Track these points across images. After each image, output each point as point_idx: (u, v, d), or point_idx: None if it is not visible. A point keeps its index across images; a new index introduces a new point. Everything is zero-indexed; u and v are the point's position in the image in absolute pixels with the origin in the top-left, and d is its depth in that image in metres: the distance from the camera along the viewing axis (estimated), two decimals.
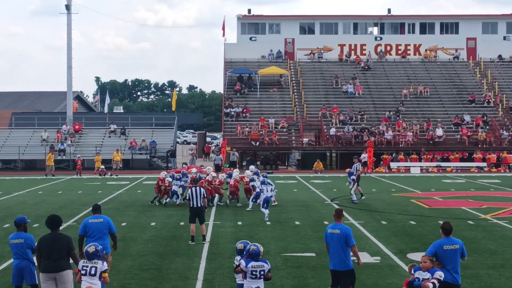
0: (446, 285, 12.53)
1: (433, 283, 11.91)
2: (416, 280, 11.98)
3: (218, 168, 47.14)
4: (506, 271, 17.64)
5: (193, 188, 22.10)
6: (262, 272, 12.41)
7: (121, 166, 54.77)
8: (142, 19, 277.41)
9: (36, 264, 13.83)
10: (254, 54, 74.55)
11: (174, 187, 32.36)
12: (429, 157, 58.11)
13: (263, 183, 29.31)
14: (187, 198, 22.23)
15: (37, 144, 61.85)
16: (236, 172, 34.08)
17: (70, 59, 65.33)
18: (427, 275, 11.97)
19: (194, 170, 34.75)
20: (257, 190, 29.81)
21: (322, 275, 17.17)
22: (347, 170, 35.36)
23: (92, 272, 12.47)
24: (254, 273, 12.38)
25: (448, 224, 13.04)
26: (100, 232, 15.24)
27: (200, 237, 22.01)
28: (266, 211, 27.29)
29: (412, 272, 12.26)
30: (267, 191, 28.46)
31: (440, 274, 12.07)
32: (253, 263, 12.43)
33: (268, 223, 26.29)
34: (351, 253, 13.89)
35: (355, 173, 34.19)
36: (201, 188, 22.25)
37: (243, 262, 12.50)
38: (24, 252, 13.90)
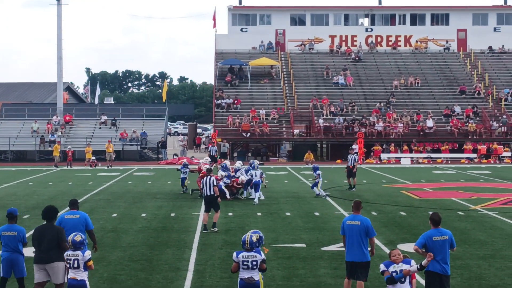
0: (435, 276, 12.56)
1: (416, 267, 11.90)
2: (394, 273, 11.86)
3: (213, 159, 47.31)
4: (495, 261, 17.70)
5: (205, 178, 22.87)
6: (254, 263, 12.17)
7: (114, 157, 54.68)
8: (133, 10, 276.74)
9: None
10: (245, 45, 74.46)
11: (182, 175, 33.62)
12: (419, 148, 58.25)
13: (248, 170, 31.07)
14: (201, 186, 23.47)
15: (28, 135, 61.72)
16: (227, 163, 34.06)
17: (60, 50, 65.15)
18: (402, 266, 11.90)
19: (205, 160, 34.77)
20: (250, 179, 30.75)
21: (312, 266, 17.21)
22: (313, 165, 34.90)
23: (75, 265, 12.41)
24: (245, 263, 12.19)
25: (437, 215, 13.05)
26: (76, 229, 13.99)
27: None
28: (257, 194, 29.54)
29: (384, 268, 11.98)
30: (256, 175, 30.47)
31: (413, 263, 12.00)
32: (244, 254, 12.27)
33: (256, 202, 29.00)
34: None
35: (351, 165, 34.31)
36: (212, 177, 22.80)
37: (234, 253, 12.42)
38: (16, 245, 13.85)
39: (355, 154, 35.34)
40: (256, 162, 32.54)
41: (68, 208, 14.50)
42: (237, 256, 12.27)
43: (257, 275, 12.22)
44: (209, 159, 36.14)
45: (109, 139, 56.97)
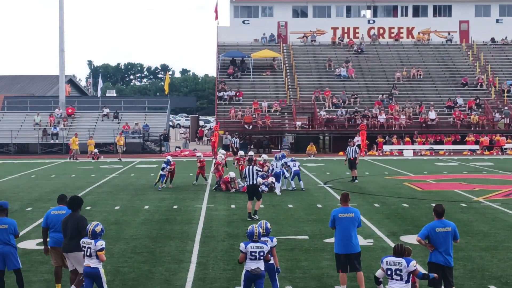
0: (438, 267, 12.58)
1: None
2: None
3: (234, 151, 48.01)
4: (498, 253, 17.71)
5: (248, 167, 23.61)
6: (261, 253, 12.44)
7: (124, 149, 54.59)
8: (135, 2, 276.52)
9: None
10: (247, 37, 74.37)
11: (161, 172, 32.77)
12: (422, 140, 58.21)
13: (285, 162, 31.57)
14: (243, 176, 24.46)
15: (30, 128, 61.74)
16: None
17: (62, 43, 65.10)
18: (402, 260, 11.79)
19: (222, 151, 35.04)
20: (276, 170, 30.83)
21: (315, 258, 17.23)
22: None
23: (88, 253, 12.62)
24: (253, 254, 12.42)
25: (440, 207, 13.05)
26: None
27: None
28: (278, 185, 30.37)
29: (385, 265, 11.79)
30: (295, 166, 31.49)
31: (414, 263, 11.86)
32: (252, 244, 12.47)
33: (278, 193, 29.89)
34: None
35: (352, 157, 34.30)
36: (255, 167, 23.69)
37: (242, 244, 12.58)
38: (7, 238, 13.84)
39: (356, 146, 35.26)
40: (281, 153, 33.37)
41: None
42: (245, 247, 12.45)
43: (263, 266, 12.44)
44: (223, 151, 36.86)
45: (120, 131, 57.20)
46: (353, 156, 34.47)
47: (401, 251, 11.70)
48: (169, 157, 34.19)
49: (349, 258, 13.94)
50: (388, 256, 11.87)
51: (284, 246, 18.71)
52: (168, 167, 32.85)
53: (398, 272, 11.58)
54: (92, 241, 12.63)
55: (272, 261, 12.97)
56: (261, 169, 25.64)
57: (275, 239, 13.24)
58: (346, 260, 13.95)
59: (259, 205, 23.51)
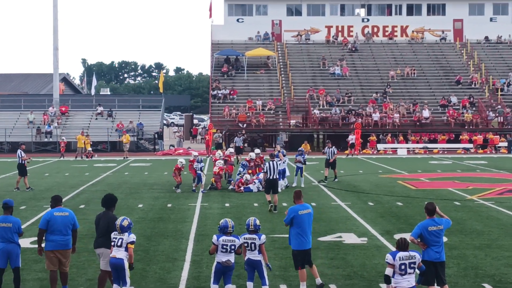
0: (430, 265, 12.62)
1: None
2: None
3: (239, 151, 48.21)
4: (492, 251, 17.75)
5: (271, 162, 25.11)
6: (232, 247, 13.03)
7: (128, 147, 54.47)
8: (129, 0, 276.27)
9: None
10: (241, 35, 74.34)
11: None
12: (416, 138, 58.27)
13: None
14: (265, 171, 25.21)
15: (24, 126, 61.63)
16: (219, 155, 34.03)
17: (56, 41, 64.97)
18: (415, 253, 11.95)
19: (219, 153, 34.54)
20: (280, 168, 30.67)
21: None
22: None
23: (119, 243, 13.15)
24: (224, 246, 13.01)
25: (431, 205, 13.10)
26: (66, 227, 13.94)
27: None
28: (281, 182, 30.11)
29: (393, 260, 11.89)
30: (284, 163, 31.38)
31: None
32: (224, 237, 13.10)
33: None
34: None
35: (330, 159, 34.30)
36: (277, 163, 25.47)
37: (215, 236, 13.18)
38: (11, 236, 13.93)
39: (333, 148, 35.15)
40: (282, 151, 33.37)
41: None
42: (217, 239, 13.07)
43: (233, 258, 13.06)
44: (232, 150, 37.14)
45: (124, 130, 57.41)
46: (331, 158, 34.42)
47: (405, 244, 11.89)
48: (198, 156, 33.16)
49: (305, 254, 14.25)
50: (395, 252, 11.92)
51: (278, 244, 18.72)
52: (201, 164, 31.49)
53: (412, 265, 11.81)
54: (126, 233, 13.21)
55: (259, 258, 13.32)
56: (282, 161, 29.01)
57: (263, 236, 13.50)
58: (305, 255, 14.24)
59: (277, 199, 24.73)
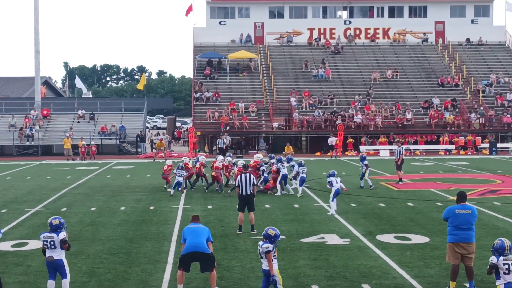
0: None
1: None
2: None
3: (222, 152, 48.33)
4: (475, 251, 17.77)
5: (243, 175, 21.14)
6: (52, 243, 13.63)
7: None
8: (111, 3, 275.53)
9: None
10: (223, 38, 74.31)
11: (179, 178, 30.29)
12: (400, 140, 58.34)
13: (300, 165, 30.22)
14: (236, 185, 21.30)
15: (5, 129, 61.29)
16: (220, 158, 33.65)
17: (37, 44, 64.70)
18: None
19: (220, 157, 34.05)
20: (283, 173, 30.24)
21: (291, 257, 17.23)
22: (359, 154, 34.71)
23: (52, 245, 13.70)
24: (45, 243, 13.71)
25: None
26: None
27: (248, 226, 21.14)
28: (279, 187, 29.67)
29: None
30: (303, 173, 29.81)
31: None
32: (45, 234, 13.84)
33: (278, 194, 29.36)
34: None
35: (398, 157, 34.26)
36: (251, 175, 21.32)
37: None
38: None
39: (402, 147, 35.12)
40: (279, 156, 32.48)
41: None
42: (41, 235, 13.86)
43: (57, 255, 13.60)
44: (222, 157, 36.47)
45: (161, 138, 58.21)
46: (398, 157, 34.43)
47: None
48: (185, 158, 33.16)
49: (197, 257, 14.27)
50: (498, 256, 12.28)
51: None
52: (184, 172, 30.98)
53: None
54: (54, 234, 13.71)
55: (267, 268, 12.97)
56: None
57: (265, 245, 12.97)
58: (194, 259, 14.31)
59: (253, 218, 20.95)
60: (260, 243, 13.06)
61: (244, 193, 20.92)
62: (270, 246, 12.88)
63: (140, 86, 73.62)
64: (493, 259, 12.25)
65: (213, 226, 21.67)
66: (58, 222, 13.81)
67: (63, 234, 13.73)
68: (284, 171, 30.09)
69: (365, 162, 32.31)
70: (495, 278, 12.41)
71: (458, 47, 74.35)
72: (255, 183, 21.53)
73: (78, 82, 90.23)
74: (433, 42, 75.39)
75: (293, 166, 31.79)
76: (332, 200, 24.68)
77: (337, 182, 25.15)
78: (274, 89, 65.64)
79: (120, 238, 20.04)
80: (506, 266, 12.13)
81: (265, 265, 12.96)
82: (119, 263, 16.86)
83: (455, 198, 15.40)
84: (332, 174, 25.23)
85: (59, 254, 13.72)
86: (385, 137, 58.76)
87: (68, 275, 13.80)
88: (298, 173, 30.46)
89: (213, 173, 31.38)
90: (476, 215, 14.77)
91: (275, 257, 13.00)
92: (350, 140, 58.03)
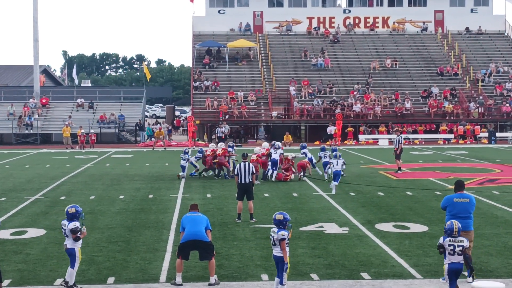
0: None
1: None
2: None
3: (221, 141, 48.53)
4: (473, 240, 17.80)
5: (242, 164, 21.22)
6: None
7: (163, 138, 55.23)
8: None
9: None
10: (222, 27, 74.16)
11: (182, 162, 32.25)
12: (399, 129, 58.40)
13: (335, 156, 28.64)
14: (235, 173, 21.30)
15: (4, 118, 61.24)
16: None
17: (36, 33, 64.57)
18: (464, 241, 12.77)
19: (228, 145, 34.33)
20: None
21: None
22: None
23: (66, 233, 13.89)
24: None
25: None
26: None
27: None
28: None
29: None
30: (337, 164, 27.90)
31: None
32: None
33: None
34: None
35: (397, 146, 34.25)
36: (250, 164, 21.43)
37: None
38: None
39: (401, 136, 35.15)
40: (278, 143, 32.54)
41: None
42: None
43: (70, 243, 13.78)
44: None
45: (160, 126, 58.39)
46: (397, 147, 34.44)
47: None
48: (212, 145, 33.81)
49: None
50: (446, 236, 12.79)
51: (259, 234, 18.74)
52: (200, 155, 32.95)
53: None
54: (66, 221, 13.91)
55: (280, 254, 13.01)
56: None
57: (281, 232, 13.03)
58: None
59: (252, 207, 21.05)
60: (275, 230, 13.04)
61: (243, 182, 20.96)
62: (285, 234, 12.96)
63: (148, 77, 73.71)
64: (441, 239, 12.79)
65: (212, 214, 21.68)
66: (74, 211, 13.93)
67: (73, 224, 13.76)
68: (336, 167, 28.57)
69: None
70: (444, 257, 12.79)
71: (457, 36, 74.24)
72: (254, 172, 21.46)
73: (74, 73, 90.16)
74: (433, 31, 75.24)
75: (305, 154, 32.86)
76: (335, 181, 26.68)
77: (337, 164, 27.13)
78: (273, 78, 65.58)
79: (119, 227, 20.06)
80: (452, 247, 12.58)
81: (276, 252, 13.00)
82: (118, 251, 16.88)
83: (453, 187, 15.43)
84: (333, 150, 28.67)
85: (71, 243, 13.81)
86: (384, 126, 58.83)
87: (76, 265, 13.81)
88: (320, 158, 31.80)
89: (217, 160, 31.52)
90: (474, 203, 14.79)
91: (287, 244, 13.04)
92: (350, 129, 58.05)
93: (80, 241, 13.95)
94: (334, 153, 28.71)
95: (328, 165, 30.23)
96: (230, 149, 32.84)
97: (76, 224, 13.81)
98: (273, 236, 13.00)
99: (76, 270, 13.82)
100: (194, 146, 52.18)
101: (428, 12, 75.86)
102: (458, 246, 12.57)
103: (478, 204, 23.45)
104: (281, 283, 13.04)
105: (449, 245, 12.61)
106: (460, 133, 57.96)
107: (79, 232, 13.82)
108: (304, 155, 33.27)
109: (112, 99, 67.57)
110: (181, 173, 32.09)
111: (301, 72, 67.68)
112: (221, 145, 32.91)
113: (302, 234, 18.70)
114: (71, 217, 13.85)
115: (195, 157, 33.44)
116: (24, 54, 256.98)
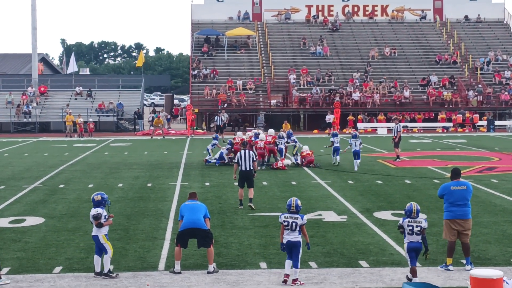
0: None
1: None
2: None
3: (220, 129, 48.61)
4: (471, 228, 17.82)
5: (243, 151, 21.42)
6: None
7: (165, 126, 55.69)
8: None
9: None
10: (221, 15, 73.94)
11: (209, 146, 33.91)
12: (398, 117, 58.41)
13: (354, 137, 31.30)
14: (235, 161, 21.68)
15: (2, 106, 61.20)
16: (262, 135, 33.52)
17: (34, 21, 64.41)
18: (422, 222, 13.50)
19: (239, 133, 34.29)
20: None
21: None
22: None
23: (91, 220, 14.07)
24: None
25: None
26: None
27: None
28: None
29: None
30: (356, 145, 30.79)
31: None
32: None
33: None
34: None
35: (395, 135, 34.30)
36: (251, 151, 21.62)
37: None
38: None
39: (399, 124, 35.31)
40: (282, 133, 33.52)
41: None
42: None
43: (94, 231, 13.89)
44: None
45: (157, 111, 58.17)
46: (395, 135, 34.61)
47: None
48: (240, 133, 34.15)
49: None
50: (405, 218, 13.50)
51: (258, 222, 18.76)
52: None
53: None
54: (93, 209, 14.12)
55: (299, 239, 13.50)
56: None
57: (305, 217, 13.72)
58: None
59: (252, 192, 21.26)
60: (295, 216, 13.53)
61: (243, 169, 21.15)
62: (305, 219, 13.66)
63: (139, 64, 73.56)
64: (401, 220, 13.55)
65: (211, 203, 21.70)
66: (100, 198, 14.07)
67: (95, 210, 13.89)
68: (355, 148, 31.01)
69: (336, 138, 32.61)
70: (403, 237, 13.49)
71: (456, 25, 74.12)
72: (254, 159, 21.55)
73: (72, 62, 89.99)
74: (431, 19, 75.09)
75: (295, 141, 33.23)
76: (357, 159, 30.48)
77: (355, 145, 30.70)
78: (272, 67, 65.50)
79: (118, 215, 20.05)
80: (410, 228, 13.33)
81: (293, 237, 13.43)
82: (117, 239, 16.88)
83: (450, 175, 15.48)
84: (354, 135, 31.25)
85: (95, 230, 13.94)
86: (383, 114, 58.83)
87: (109, 251, 13.91)
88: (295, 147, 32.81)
89: (268, 147, 31.59)
90: (471, 190, 14.82)
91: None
92: (350, 117, 58.04)
93: (105, 229, 13.97)
94: (353, 133, 32.65)
95: (340, 150, 32.46)
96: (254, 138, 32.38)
97: (98, 210, 13.89)
98: (293, 222, 13.48)
99: (110, 256, 13.91)
100: (193, 135, 52.31)
101: (427, 0, 75.68)
102: (417, 226, 13.32)
103: (476, 193, 23.53)
104: (296, 266, 13.39)
105: (408, 226, 13.34)
106: (458, 121, 57.96)
107: (103, 219, 13.87)
108: (294, 143, 33.21)
109: (110, 88, 67.51)
110: (207, 157, 33.16)
111: (300, 60, 67.60)
112: (272, 132, 32.78)
113: None
114: (98, 204, 13.99)
115: (211, 144, 33.87)
116: (22, 42, 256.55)
